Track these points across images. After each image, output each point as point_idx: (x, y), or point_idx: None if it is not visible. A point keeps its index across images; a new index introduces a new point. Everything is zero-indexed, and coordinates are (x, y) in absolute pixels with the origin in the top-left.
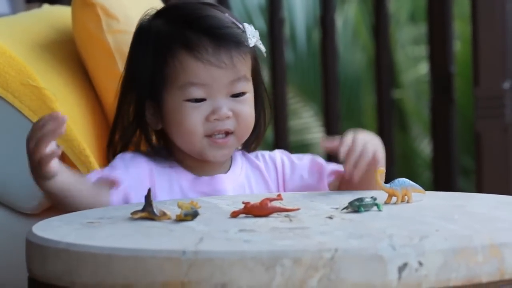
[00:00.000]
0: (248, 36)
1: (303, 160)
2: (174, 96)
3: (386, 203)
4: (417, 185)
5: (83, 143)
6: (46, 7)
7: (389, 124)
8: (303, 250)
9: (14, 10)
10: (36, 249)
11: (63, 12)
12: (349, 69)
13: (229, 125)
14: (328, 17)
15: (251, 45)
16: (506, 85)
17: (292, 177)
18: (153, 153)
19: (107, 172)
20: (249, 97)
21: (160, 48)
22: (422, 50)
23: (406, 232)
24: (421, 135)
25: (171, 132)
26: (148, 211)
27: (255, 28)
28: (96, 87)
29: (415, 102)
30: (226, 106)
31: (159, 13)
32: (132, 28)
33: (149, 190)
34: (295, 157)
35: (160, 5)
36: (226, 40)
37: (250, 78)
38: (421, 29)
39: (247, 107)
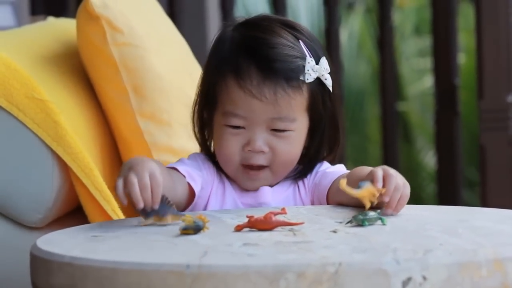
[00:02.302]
0: (307, 71)
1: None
2: (218, 118)
3: (367, 210)
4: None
5: (88, 156)
6: (51, 20)
7: (393, 137)
8: (307, 264)
9: (19, 23)
10: (41, 263)
11: (68, 25)
12: (354, 82)
13: (262, 160)
14: (333, 29)
15: (308, 80)
16: (510, 98)
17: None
18: (213, 160)
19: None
20: (293, 135)
21: (217, 67)
22: (426, 62)
23: (410, 246)
24: (426, 148)
25: (215, 150)
26: (173, 214)
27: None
28: (101, 99)
29: (420, 114)
30: (262, 139)
31: (235, 26)
32: (136, 40)
33: (163, 196)
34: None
35: (164, 17)
36: (274, 74)
37: (299, 116)
38: (426, 41)
39: (286, 145)
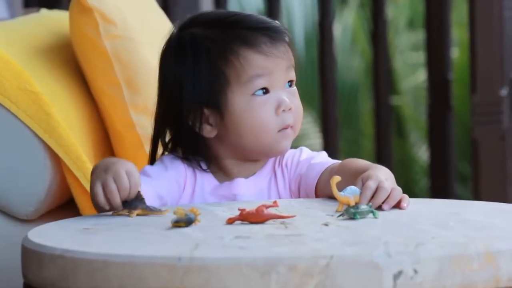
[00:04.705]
0: (286, 31)
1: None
2: (241, 93)
3: (337, 211)
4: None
5: (80, 149)
6: (44, 12)
7: (386, 131)
8: (299, 257)
9: (12, 15)
10: (32, 255)
11: (61, 17)
12: (347, 76)
13: (292, 119)
14: (327, 23)
15: (287, 40)
16: (503, 91)
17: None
18: (184, 158)
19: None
20: (296, 90)
21: (218, 51)
22: (420, 56)
23: (402, 239)
24: (419, 142)
25: (236, 134)
26: (142, 208)
27: None
28: (94, 92)
29: (413, 108)
30: (287, 97)
31: (193, 23)
32: (129, 33)
33: (138, 192)
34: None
35: (157, 10)
36: (277, 32)
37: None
38: (420, 35)
39: (297, 100)
